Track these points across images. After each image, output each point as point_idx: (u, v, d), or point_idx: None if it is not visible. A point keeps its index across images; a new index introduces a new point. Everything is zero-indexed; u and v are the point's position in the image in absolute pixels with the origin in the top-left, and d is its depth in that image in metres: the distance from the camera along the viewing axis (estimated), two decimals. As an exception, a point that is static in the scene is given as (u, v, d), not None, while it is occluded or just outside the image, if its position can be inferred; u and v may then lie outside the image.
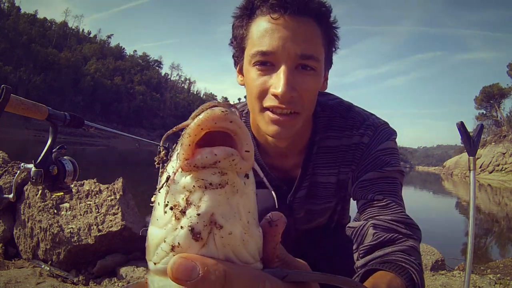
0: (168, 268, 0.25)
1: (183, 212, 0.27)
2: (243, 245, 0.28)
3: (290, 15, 0.75)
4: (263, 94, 0.79)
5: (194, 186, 0.27)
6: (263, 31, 0.77)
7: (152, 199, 0.31)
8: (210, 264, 0.25)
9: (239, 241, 0.27)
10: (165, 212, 0.28)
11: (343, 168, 0.93)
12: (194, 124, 0.26)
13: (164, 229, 0.28)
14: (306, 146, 0.95)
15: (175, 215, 0.27)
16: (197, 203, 0.26)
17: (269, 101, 0.78)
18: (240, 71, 0.90)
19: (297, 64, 0.77)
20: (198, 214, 0.26)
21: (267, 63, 0.78)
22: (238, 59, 0.89)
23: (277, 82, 0.75)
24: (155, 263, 0.29)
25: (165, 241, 0.27)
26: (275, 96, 0.76)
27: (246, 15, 0.82)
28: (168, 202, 0.28)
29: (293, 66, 0.77)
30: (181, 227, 0.26)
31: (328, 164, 0.95)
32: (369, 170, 0.86)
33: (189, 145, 0.26)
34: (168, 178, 0.28)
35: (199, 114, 0.27)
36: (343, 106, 0.95)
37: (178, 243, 0.27)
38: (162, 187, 0.29)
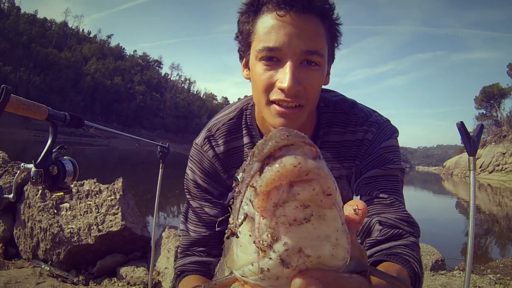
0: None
1: (269, 246, 0.27)
2: (333, 259, 0.28)
3: (295, 12, 0.78)
4: (269, 88, 0.82)
5: (277, 223, 0.26)
6: (270, 28, 0.80)
7: (231, 223, 0.31)
8: (329, 281, 0.28)
9: (328, 259, 0.28)
10: (250, 244, 0.29)
11: (346, 163, 0.96)
12: (265, 185, 0.25)
13: (250, 256, 0.29)
14: None
15: (262, 249, 0.27)
16: (283, 240, 0.26)
17: (276, 95, 0.81)
18: (246, 65, 0.92)
19: (302, 60, 0.80)
20: (286, 250, 0.26)
21: (273, 58, 0.81)
22: (243, 53, 0.91)
23: (284, 76, 0.78)
24: (242, 275, 0.31)
25: (252, 265, 0.29)
26: (282, 90, 0.79)
27: (252, 11, 0.84)
28: (251, 235, 0.28)
29: (298, 61, 0.80)
30: (270, 258, 0.27)
31: (331, 158, 0.97)
32: (373, 167, 0.89)
33: (265, 203, 0.26)
34: (245, 217, 0.29)
35: (266, 161, 0.26)
36: (347, 102, 0.98)
37: (268, 269, 0.27)
38: (241, 223, 0.29)
